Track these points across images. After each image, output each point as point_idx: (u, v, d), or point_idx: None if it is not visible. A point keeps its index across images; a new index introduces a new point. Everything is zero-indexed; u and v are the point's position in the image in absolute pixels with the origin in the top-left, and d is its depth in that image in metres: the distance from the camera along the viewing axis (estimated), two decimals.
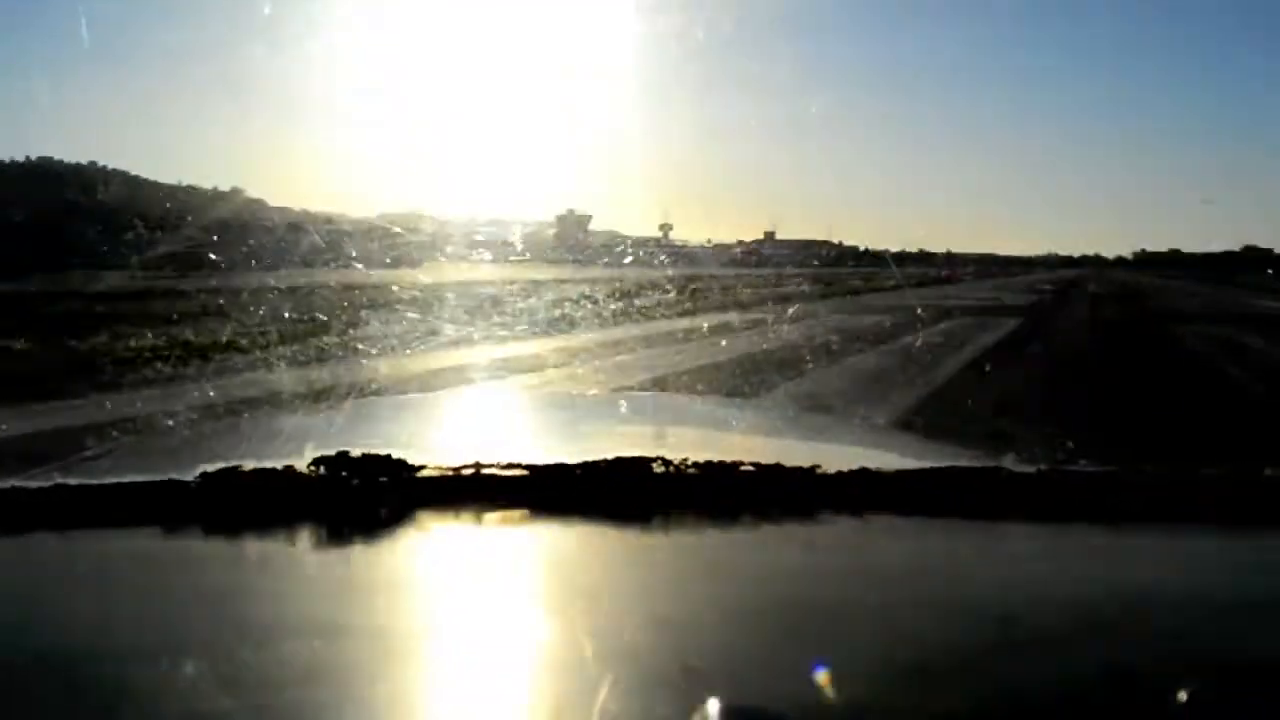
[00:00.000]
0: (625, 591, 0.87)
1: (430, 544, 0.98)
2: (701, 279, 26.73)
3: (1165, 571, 0.94)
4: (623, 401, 2.73)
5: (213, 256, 15.47)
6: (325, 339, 11.82)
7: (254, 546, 0.97)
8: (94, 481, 1.07)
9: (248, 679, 0.69)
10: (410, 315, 14.04)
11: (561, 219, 44.39)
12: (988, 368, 11.57)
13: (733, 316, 17.46)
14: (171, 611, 0.82)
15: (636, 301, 18.80)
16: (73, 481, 1.04)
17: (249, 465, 1.03)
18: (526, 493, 1.01)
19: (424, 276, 21.03)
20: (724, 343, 13.39)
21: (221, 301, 13.52)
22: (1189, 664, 0.72)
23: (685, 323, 16.02)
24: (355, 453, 1.02)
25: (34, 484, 1.03)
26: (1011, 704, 0.68)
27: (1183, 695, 0.64)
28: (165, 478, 1.02)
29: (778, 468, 1.06)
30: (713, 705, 0.61)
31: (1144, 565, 0.96)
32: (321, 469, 1.01)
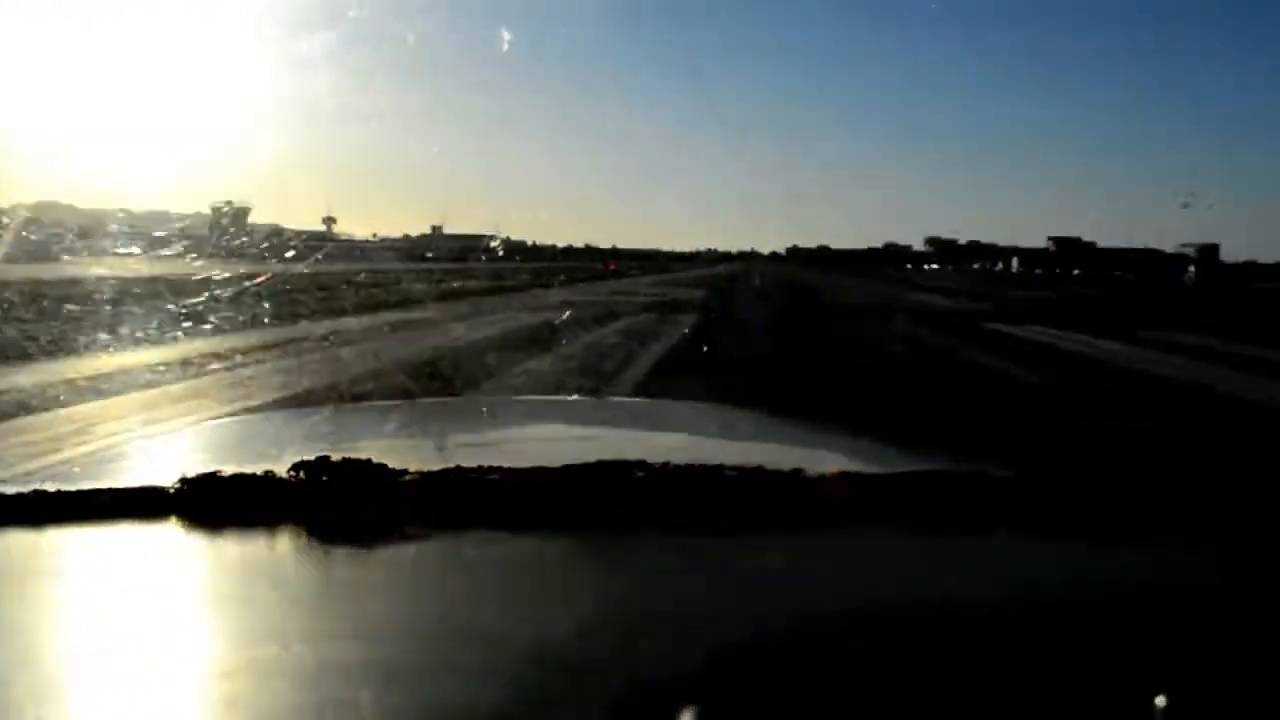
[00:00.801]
0: (604, 596, 0.86)
1: (411, 547, 0.97)
2: (357, 275, 25.82)
3: (1142, 577, 0.96)
4: (599, 406, 2.90)
5: None
6: None
7: (234, 551, 0.97)
8: (74, 488, 1.04)
9: (226, 680, 0.69)
10: None
11: (217, 210, 40.56)
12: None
13: (361, 321, 16.29)
14: (151, 614, 0.82)
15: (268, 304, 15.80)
16: (51, 488, 1.02)
17: (228, 470, 1.02)
18: (506, 497, 1.01)
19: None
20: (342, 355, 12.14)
21: None
22: (1177, 666, 0.73)
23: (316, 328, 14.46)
24: (335, 457, 1.02)
25: (11, 490, 1.02)
26: (996, 704, 0.69)
27: (1162, 700, 0.65)
28: (145, 484, 1.03)
29: (760, 471, 1.06)
30: (692, 713, 0.62)
31: (1120, 571, 0.98)
32: (301, 474, 1.01)
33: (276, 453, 1.19)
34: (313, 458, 1.03)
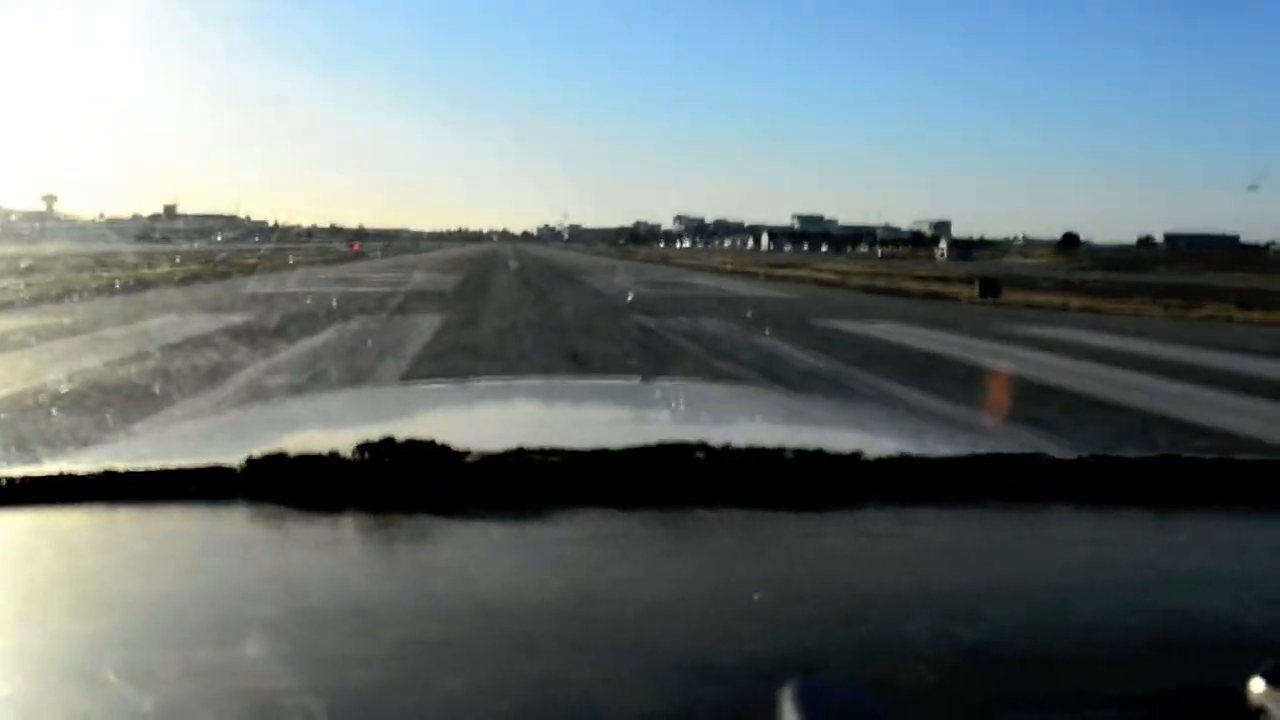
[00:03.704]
0: (671, 577, 0.87)
1: (477, 529, 0.98)
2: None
3: (1213, 557, 0.97)
4: (655, 388, 2.54)
5: None
6: None
7: (299, 532, 0.98)
8: (140, 466, 1.06)
9: (297, 661, 0.70)
10: None
11: None
12: None
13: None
14: (219, 594, 0.84)
15: None
16: (120, 467, 1.04)
17: (294, 451, 1.04)
18: (569, 478, 1.02)
19: None
20: None
21: None
22: (1246, 650, 0.72)
23: None
24: (400, 438, 1.03)
25: (81, 469, 1.04)
26: (1074, 688, 0.70)
27: (1257, 685, 0.65)
28: (211, 463, 1.04)
29: (820, 454, 1.06)
30: (796, 682, 0.63)
31: (1191, 551, 0.99)
32: (366, 454, 1.02)
33: (323, 434, 1.24)
34: (377, 438, 1.02)
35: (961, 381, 10.05)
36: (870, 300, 24.09)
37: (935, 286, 28.91)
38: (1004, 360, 12.02)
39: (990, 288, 23.84)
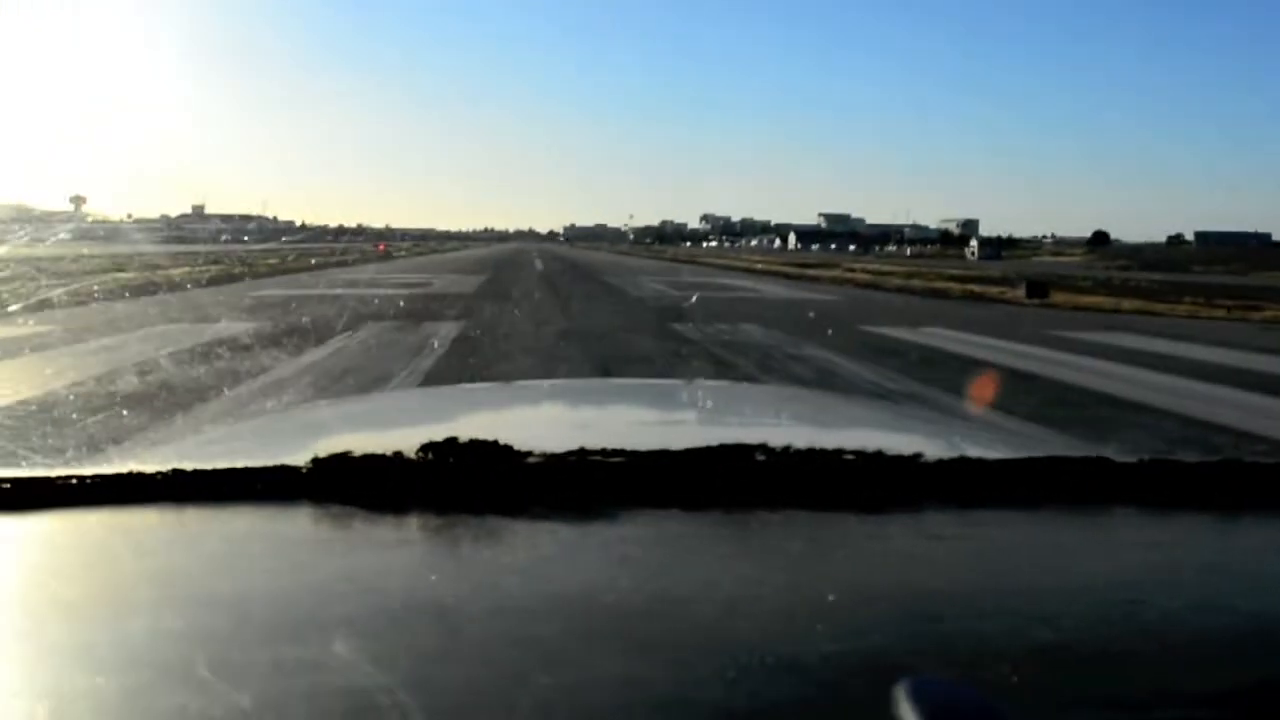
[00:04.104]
0: (742, 577, 0.86)
1: (541, 529, 0.97)
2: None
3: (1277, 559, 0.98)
4: (701, 389, 2.48)
5: None
6: None
7: (365, 532, 0.98)
8: (207, 466, 1.07)
9: (386, 660, 0.69)
10: None
11: None
12: None
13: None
14: (298, 593, 0.84)
15: None
16: (188, 466, 1.05)
17: (355, 451, 1.04)
18: (631, 479, 1.02)
19: None
20: None
21: None
22: None
23: None
24: (463, 438, 1.03)
25: (150, 469, 1.05)
26: (1152, 687, 0.70)
27: None
28: (277, 463, 1.05)
29: (880, 455, 1.06)
30: (911, 681, 0.63)
31: (1257, 554, 0.99)
32: (430, 455, 1.02)
33: (380, 434, 1.26)
34: (441, 439, 1.03)
35: (1075, 405, 8.84)
36: (914, 303, 22.90)
37: (975, 287, 27.78)
38: (1098, 377, 10.62)
39: (1037, 289, 22.75)
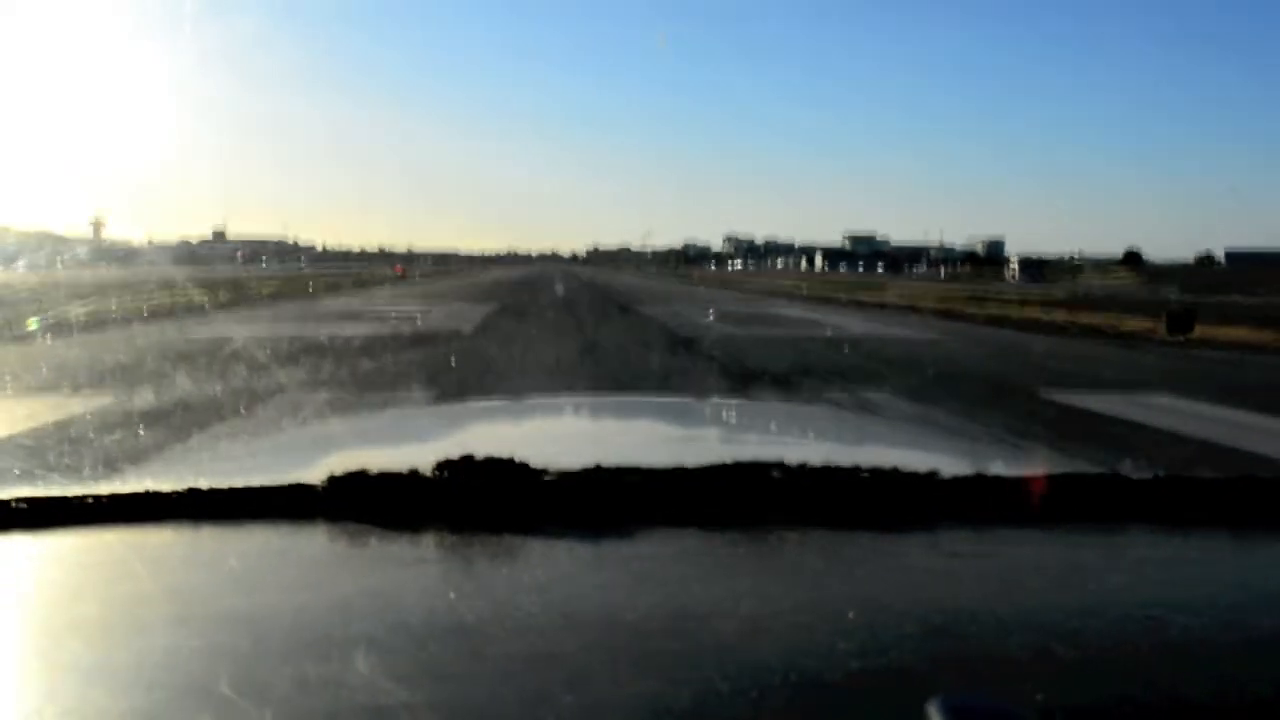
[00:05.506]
0: (762, 595, 0.85)
1: (558, 546, 0.96)
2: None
3: None
4: (714, 406, 2.57)
5: None
6: None
7: (380, 550, 0.96)
8: (224, 484, 1.06)
9: (407, 677, 0.69)
10: None
11: None
12: None
13: None
14: (318, 611, 0.83)
15: None
16: (204, 485, 1.04)
17: (370, 469, 1.03)
18: (647, 496, 1.01)
19: None
20: None
21: None
22: None
23: None
24: (479, 456, 1.02)
25: (167, 488, 1.03)
26: (1175, 703, 0.70)
27: None
28: (293, 481, 1.03)
29: (895, 473, 1.04)
30: (941, 698, 0.62)
31: (1275, 569, 0.98)
32: (446, 473, 1.01)
33: (394, 451, 1.25)
34: (457, 456, 1.02)
35: None
36: (1055, 347, 16.41)
37: (1087, 318, 23.47)
38: None
39: (1180, 323, 18.73)
